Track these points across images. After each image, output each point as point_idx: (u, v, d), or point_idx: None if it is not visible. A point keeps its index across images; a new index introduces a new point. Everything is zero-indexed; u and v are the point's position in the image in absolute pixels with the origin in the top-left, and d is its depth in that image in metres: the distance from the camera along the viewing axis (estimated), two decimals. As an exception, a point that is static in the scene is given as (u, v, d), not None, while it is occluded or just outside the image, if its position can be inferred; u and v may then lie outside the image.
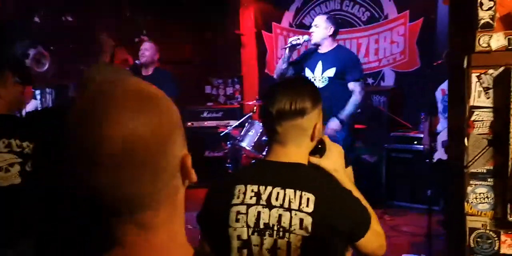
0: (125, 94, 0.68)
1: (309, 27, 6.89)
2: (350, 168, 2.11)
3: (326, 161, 1.54)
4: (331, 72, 3.89)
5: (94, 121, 0.65)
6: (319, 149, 1.54)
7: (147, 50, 4.66)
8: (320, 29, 3.94)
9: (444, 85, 4.46)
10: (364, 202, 1.52)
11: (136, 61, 4.72)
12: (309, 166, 1.49)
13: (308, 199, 1.36)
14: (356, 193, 1.53)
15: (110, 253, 0.71)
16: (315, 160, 1.53)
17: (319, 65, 3.93)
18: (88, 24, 5.55)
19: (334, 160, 1.54)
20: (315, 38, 3.95)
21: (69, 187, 0.71)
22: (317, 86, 3.92)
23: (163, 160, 0.69)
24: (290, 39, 4.01)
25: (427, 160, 4.36)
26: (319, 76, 3.93)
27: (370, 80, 6.54)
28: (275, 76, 4.25)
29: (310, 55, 4.03)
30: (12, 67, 2.32)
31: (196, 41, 7.17)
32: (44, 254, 1.97)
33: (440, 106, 4.54)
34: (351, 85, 3.88)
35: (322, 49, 4.01)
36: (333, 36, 4.01)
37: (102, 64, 2.14)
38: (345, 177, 1.56)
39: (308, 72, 3.99)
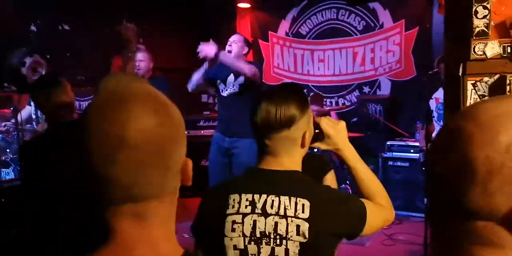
0: (142, 97, 0.76)
1: (305, 36, 7.00)
2: (331, 173, 2.07)
3: (325, 144, 1.55)
4: (242, 78, 4.11)
5: (116, 120, 0.72)
6: (317, 135, 1.53)
7: (142, 61, 4.64)
8: (238, 45, 4.21)
9: (437, 94, 4.49)
10: (372, 176, 1.56)
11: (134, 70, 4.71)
12: (303, 172, 1.49)
13: (303, 205, 1.35)
14: (363, 167, 1.56)
15: (105, 246, 0.75)
16: (315, 145, 1.54)
17: (231, 76, 4.17)
18: (85, 32, 5.55)
19: (333, 140, 1.54)
20: (232, 53, 4.16)
21: (75, 179, 0.75)
22: (231, 93, 4.11)
23: (170, 158, 0.76)
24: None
25: (424, 168, 4.37)
26: (230, 85, 4.19)
27: (366, 89, 6.58)
28: (189, 90, 4.45)
29: (221, 70, 4.21)
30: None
31: (193, 50, 7.18)
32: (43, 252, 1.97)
33: (435, 115, 4.56)
34: None
35: None
36: (246, 55, 4.30)
37: (120, 74, 2.28)
38: (350, 151, 1.57)
39: (221, 85, 4.26)
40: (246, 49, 4.29)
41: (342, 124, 1.58)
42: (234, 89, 4.19)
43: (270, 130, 1.39)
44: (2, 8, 4.71)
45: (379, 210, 1.48)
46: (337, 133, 1.55)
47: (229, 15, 7.31)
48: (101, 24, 5.68)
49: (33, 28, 5.19)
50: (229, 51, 4.17)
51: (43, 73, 4.23)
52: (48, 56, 4.66)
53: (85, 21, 5.55)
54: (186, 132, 0.85)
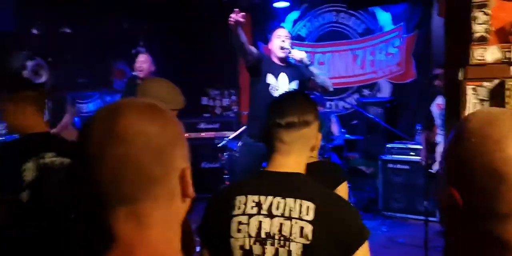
0: (138, 105, 0.80)
1: (305, 38, 7.01)
2: (344, 184, 2.14)
3: None
4: (295, 84, 3.78)
5: (108, 117, 0.77)
6: None
7: (144, 62, 4.65)
8: (289, 40, 3.80)
9: (439, 100, 4.50)
10: None
11: (133, 73, 4.73)
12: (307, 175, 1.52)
13: (308, 207, 1.38)
14: None
15: (108, 249, 0.76)
16: None
17: (283, 76, 3.76)
18: (86, 35, 5.57)
19: None
20: (287, 45, 3.75)
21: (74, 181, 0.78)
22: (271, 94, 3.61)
23: (163, 159, 0.77)
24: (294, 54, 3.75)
25: (429, 170, 4.39)
26: (283, 86, 3.74)
27: (366, 92, 6.59)
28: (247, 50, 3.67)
29: (271, 63, 3.81)
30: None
31: (193, 52, 7.21)
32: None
33: (438, 121, 4.56)
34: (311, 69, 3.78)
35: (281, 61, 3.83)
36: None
37: (156, 79, 2.39)
38: None
39: (271, 79, 3.76)
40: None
41: None
42: (273, 92, 3.71)
43: (292, 128, 1.47)
44: (3, 11, 4.72)
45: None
46: None
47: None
48: (102, 26, 5.70)
49: (34, 31, 5.21)
50: (284, 48, 3.71)
51: (45, 75, 4.24)
52: (49, 59, 4.68)
53: (86, 24, 5.57)
54: (186, 135, 0.86)
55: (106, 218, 0.75)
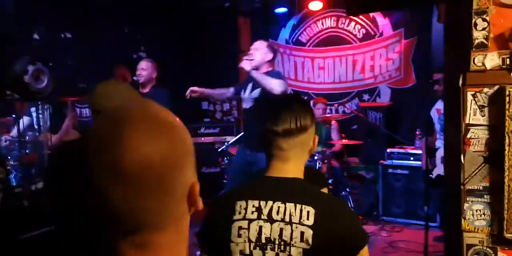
0: (140, 120, 0.72)
1: (305, 43, 7.03)
2: (325, 190, 2.13)
3: None
4: (257, 92, 3.88)
5: (109, 146, 0.69)
6: None
7: (145, 69, 4.59)
8: (260, 53, 3.92)
9: (438, 105, 4.51)
10: None
11: (134, 78, 4.71)
12: (305, 180, 1.52)
13: (308, 212, 1.38)
14: None
15: None
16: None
17: (249, 86, 3.95)
18: (87, 40, 5.58)
19: None
20: (255, 62, 3.88)
21: (81, 205, 0.75)
22: (245, 107, 3.92)
23: (171, 185, 0.73)
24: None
25: (430, 175, 4.39)
26: (247, 96, 3.95)
27: (366, 97, 6.61)
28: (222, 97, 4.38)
29: (248, 78, 4.01)
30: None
31: (193, 57, 7.22)
32: None
33: (437, 126, 4.58)
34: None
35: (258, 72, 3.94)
36: (270, 62, 3.98)
37: (112, 82, 2.24)
38: None
39: (243, 93, 4.05)
40: (271, 55, 3.95)
41: None
42: (249, 104, 3.94)
43: (290, 135, 1.45)
44: (4, 16, 4.73)
45: None
46: None
47: (230, 22, 7.35)
48: (102, 31, 5.72)
49: (35, 36, 5.22)
50: (250, 60, 3.86)
51: (46, 81, 4.23)
52: (50, 64, 4.68)
53: (87, 29, 5.58)
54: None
55: (112, 242, 0.73)
